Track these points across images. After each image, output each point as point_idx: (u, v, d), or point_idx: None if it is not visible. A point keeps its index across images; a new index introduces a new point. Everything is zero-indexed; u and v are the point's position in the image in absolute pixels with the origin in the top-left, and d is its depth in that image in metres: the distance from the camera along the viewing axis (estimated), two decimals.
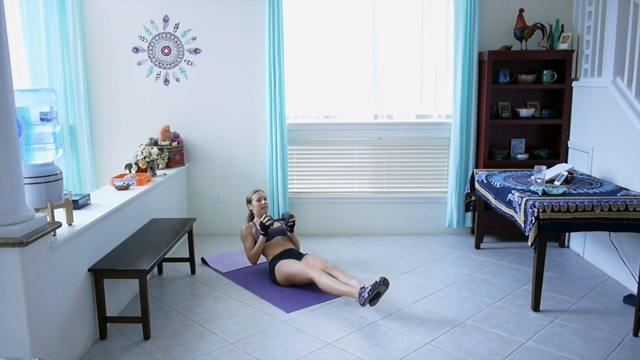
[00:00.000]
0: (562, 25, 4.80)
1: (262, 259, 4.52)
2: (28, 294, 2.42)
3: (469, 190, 4.75)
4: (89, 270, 3.09)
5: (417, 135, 5.16)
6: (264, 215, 4.13)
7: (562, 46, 4.74)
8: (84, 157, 4.98)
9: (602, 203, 3.36)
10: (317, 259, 3.93)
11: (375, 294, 3.39)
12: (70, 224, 2.98)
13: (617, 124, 4.02)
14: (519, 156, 4.91)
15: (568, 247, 4.83)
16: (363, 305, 3.39)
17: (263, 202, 4.29)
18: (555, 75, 4.78)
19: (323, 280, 3.66)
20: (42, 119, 2.80)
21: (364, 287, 3.43)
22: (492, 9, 4.91)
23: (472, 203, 4.77)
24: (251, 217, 4.40)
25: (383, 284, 3.40)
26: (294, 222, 4.24)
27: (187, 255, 4.29)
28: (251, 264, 4.28)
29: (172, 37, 5.02)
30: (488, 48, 4.88)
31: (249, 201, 4.36)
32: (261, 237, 4.07)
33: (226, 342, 3.13)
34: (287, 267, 3.88)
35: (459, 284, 3.98)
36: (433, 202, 5.24)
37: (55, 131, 2.92)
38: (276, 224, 4.26)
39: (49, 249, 2.64)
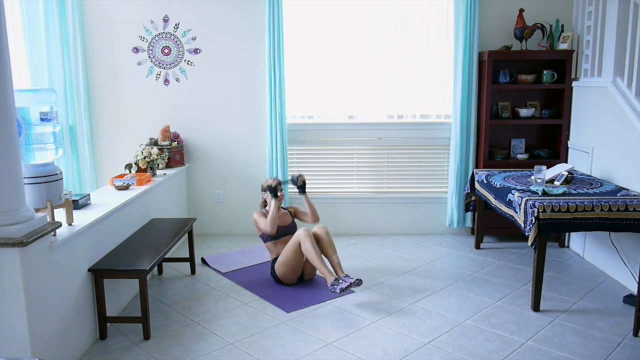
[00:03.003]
0: (562, 25, 4.80)
1: (264, 257, 4.53)
2: (28, 294, 2.42)
3: (469, 190, 4.76)
4: (89, 270, 3.09)
5: (417, 135, 5.16)
6: (274, 179, 4.09)
7: (562, 46, 4.74)
8: (84, 157, 4.98)
9: (602, 203, 3.36)
10: (320, 226, 3.98)
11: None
12: (70, 224, 2.98)
13: (617, 124, 4.02)
14: (519, 156, 4.91)
15: (568, 247, 4.83)
16: (332, 292, 3.68)
17: (279, 193, 4.11)
18: (555, 75, 4.77)
19: (305, 244, 3.77)
20: (42, 119, 2.80)
21: (337, 279, 3.65)
22: (492, 9, 4.91)
23: (472, 203, 4.78)
24: (264, 204, 4.25)
25: (357, 285, 3.64)
26: (304, 182, 4.18)
27: (187, 255, 4.29)
28: (271, 235, 4.01)
29: (172, 37, 5.02)
30: (488, 48, 4.88)
31: (264, 189, 4.17)
32: (274, 200, 3.99)
33: (226, 342, 3.13)
34: (282, 253, 3.92)
35: (459, 284, 3.98)
36: (433, 202, 5.24)
37: (55, 131, 2.92)
38: (287, 218, 4.17)
39: (49, 249, 2.64)
